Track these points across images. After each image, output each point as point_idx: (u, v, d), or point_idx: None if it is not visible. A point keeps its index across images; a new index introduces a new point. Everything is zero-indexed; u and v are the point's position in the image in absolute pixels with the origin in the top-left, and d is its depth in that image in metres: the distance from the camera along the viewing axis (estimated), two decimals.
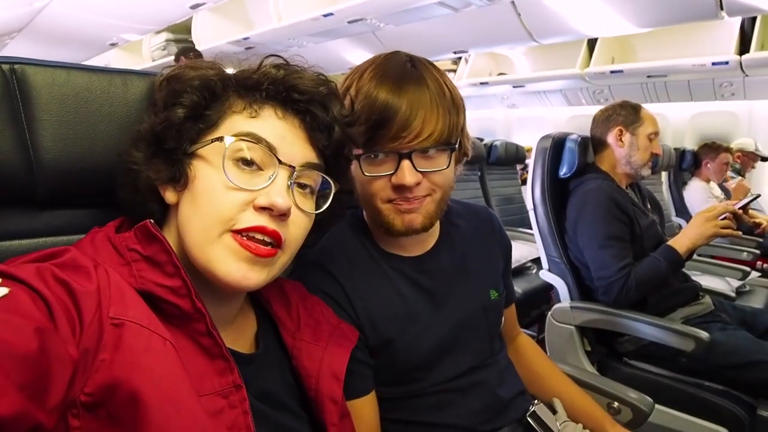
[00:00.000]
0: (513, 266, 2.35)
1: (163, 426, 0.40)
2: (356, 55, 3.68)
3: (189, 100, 0.52)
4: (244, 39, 3.53)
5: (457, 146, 0.72)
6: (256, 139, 0.51)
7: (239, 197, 0.50)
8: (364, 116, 0.66)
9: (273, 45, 3.58)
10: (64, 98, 0.54)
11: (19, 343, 0.34)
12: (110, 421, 0.40)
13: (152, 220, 0.50)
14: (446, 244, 0.85)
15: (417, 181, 0.69)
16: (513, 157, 3.22)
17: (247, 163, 0.51)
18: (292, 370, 0.62)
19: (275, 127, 0.53)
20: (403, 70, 0.69)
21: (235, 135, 0.51)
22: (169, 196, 0.53)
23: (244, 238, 0.50)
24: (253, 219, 0.50)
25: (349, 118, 0.59)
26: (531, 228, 1.78)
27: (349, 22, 2.99)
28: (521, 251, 2.42)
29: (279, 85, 0.53)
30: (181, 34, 4.11)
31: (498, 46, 3.57)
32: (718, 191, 3.33)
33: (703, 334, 1.31)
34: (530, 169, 1.70)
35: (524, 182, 3.52)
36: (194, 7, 3.20)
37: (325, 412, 0.59)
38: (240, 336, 0.60)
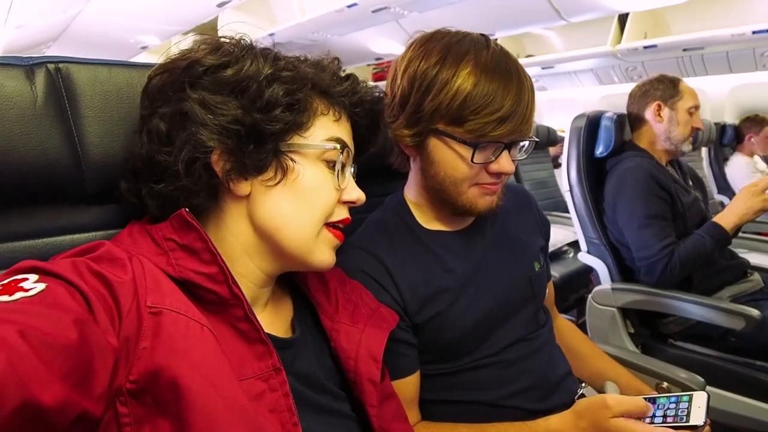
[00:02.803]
0: (549, 250, 2.34)
1: (207, 409, 0.41)
2: (381, 44, 3.67)
3: (292, 99, 0.53)
4: (270, 35, 3.56)
5: None
6: (344, 145, 0.58)
7: (336, 195, 0.57)
8: (485, 110, 0.68)
9: (298, 40, 3.60)
10: (106, 94, 0.54)
11: (60, 335, 0.35)
12: (156, 406, 0.42)
13: (187, 209, 0.50)
14: (489, 216, 0.85)
15: (514, 169, 0.74)
16: (545, 140, 3.16)
17: (332, 163, 0.57)
18: (331, 353, 0.63)
19: (349, 130, 0.61)
20: (512, 67, 0.71)
21: (332, 140, 0.57)
22: (243, 188, 0.53)
23: (335, 229, 0.58)
24: (342, 212, 0.59)
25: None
26: (566, 211, 1.75)
27: (373, 12, 2.98)
28: (557, 235, 2.39)
29: (346, 98, 0.59)
30: (207, 35, 4.17)
31: (525, 28, 3.48)
32: (762, 165, 3.20)
33: (754, 312, 1.27)
34: (565, 149, 1.67)
35: (557, 166, 3.46)
36: (221, 5, 3.24)
37: (365, 394, 0.60)
38: (276, 319, 0.61)
